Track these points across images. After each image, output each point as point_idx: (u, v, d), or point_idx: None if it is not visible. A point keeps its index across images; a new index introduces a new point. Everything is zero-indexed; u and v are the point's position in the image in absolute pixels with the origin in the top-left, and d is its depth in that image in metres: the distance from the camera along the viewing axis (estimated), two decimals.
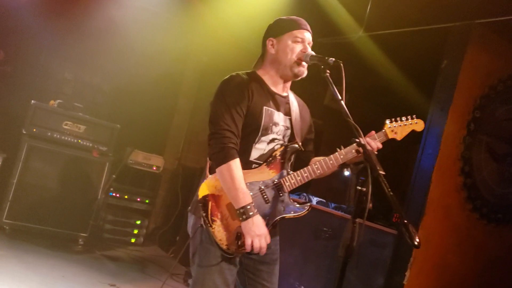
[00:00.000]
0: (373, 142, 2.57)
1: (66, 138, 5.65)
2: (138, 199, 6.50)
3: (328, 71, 2.43)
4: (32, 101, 5.50)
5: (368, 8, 4.61)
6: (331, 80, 2.41)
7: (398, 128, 2.66)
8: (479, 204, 4.24)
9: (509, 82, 4.36)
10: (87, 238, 5.76)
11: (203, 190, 2.50)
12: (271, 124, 2.60)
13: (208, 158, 2.57)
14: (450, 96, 3.95)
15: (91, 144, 5.80)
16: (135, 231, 6.42)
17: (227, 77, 2.62)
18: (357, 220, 2.04)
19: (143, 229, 6.51)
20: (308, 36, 2.68)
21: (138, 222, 6.44)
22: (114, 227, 6.26)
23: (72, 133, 5.70)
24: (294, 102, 2.79)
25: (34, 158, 5.48)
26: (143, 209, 6.57)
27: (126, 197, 6.39)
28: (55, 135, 5.59)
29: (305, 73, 2.67)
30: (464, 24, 4.06)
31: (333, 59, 2.41)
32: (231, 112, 2.49)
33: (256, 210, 2.40)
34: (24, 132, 5.44)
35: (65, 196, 5.61)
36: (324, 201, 4.90)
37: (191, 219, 2.66)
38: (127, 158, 6.37)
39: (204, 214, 2.44)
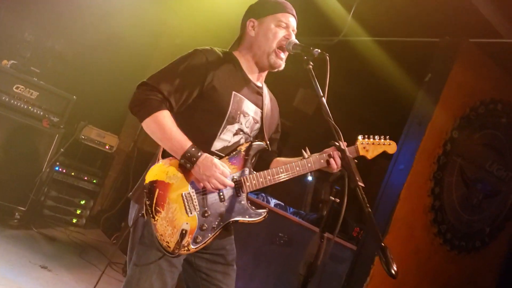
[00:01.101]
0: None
1: (15, 103, 5.19)
2: (86, 178, 6.09)
3: (311, 63, 2.17)
4: None
5: (352, 10, 4.35)
6: (313, 73, 2.14)
7: (370, 146, 2.48)
8: (444, 228, 4.05)
9: (491, 106, 4.20)
10: (24, 212, 5.30)
11: (152, 174, 2.18)
12: (239, 113, 2.33)
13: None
14: (430, 111, 3.75)
15: (42, 113, 5.37)
16: (78, 211, 6.01)
17: (200, 47, 2.33)
18: (326, 235, 1.76)
19: (87, 210, 6.10)
20: (293, 22, 2.43)
21: (83, 202, 6.03)
22: (56, 204, 5.83)
23: (23, 98, 5.25)
24: (267, 95, 2.53)
25: None
26: (90, 189, 6.16)
27: (72, 174, 5.97)
28: (3, 98, 5.13)
29: (282, 66, 2.43)
30: (454, 40, 3.86)
31: (318, 50, 2.15)
32: (175, 78, 2.23)
33: (200, 152, 2.14)
34: None
35: (5, 164, 5.14)
36: (283, 204, 4.64)
37: (133, 209, 2.36)
38: (79, 132, 5.95)
39: (148, 203, 2.12)
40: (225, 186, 2.17)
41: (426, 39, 3.93)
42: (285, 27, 2.38)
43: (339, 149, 1.86)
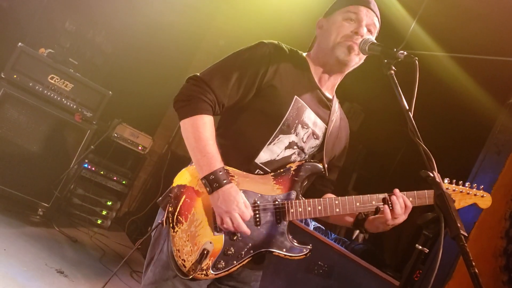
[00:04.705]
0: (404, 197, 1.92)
1: (48, 93, 4.93)
2: (115, 178, 5.78)
3: (393, 68, 1.75)
4: (19, 43, 4.78)
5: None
6: (396, 80, 1.72)
7: (457, 195, 2.02)
8: None
9: None
10: (48, 209, 5.03)
11: (181, 178, 1.87)
12: (297, 122, 1.93)
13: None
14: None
15: (75, 106, 5.10)
16: (104, 212, 5.71)
17: (267, 40, 1.97)
18: None
19: (113, 212, 5.79)
20: (368, 15, 1.98)
21: (109, 203, 5.72)
22: (81, 202, 5.53)
23: (57, 89, 4.99)
24: (336, 110, 2.10)
25: (7, 107, 4.75)
26: (118, 190, 5.85)
27: (101, 172, 5.67)
28: (37, 87, 4.88)
29: (353, 60, 1.97)
30: None
31: (404, 52, 1.73)
32: (231, 73, 1.88)
33: (226, 179, 1.76)
34: (3, 76, 4.74)
35: (33, 157, 4.88)
36: (323, 228, 4.20)
37: (159, 216, 2.00)
38: (112, 130, 5.66)
39: (170, 209, 1.80)
40: (238, 230, 1.78)
41: (510, 59, 3.45)
42: (356, 20, 1.96)
43: (433, 182, 1.42)
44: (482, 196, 2.07)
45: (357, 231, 5.63)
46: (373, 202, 1.92)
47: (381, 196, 1.92)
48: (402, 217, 1.90)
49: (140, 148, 5.93)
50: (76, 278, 4.07)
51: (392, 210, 1.88)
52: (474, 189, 2.05)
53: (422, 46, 4.24)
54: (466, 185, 2.04)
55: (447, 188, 1.97)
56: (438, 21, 3.94)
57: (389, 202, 1.89)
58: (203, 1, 6.31)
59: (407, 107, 1.61)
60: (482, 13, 3.52)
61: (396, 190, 1.92)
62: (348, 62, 1.98)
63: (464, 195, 2.03)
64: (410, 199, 1.93)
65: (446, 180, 2.00)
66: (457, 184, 2.02)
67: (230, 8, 6.36)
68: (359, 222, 2.04)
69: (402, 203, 1.89)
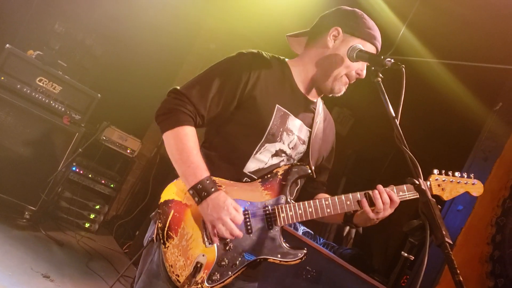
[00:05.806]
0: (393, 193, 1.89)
1: (36, 96, 4.88)
2: (103, 181, 5.74)
3: (380, 75, 1.75)
4: (7, 45, 4.73)
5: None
6: (383, 88, 1.72)
7: (447, 184, 1.99)
8: (501, 283, 3.54)
9: None
10: (35, 212, 4.97)
11: (169, 192, 1.86)
12: (281, 130, 1.93)
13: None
14: (499, 146, 3.26)
15: (63, 109, 5.04)
16: (92, 216, 5.66)
17: (246, 50, 1.97)
18: None
19: (101, 216, 5.74)
20: None
21: (97, 206, 5.68)
22: (69, 206, 5.48)
23: (45, 91, 4.94)
24: (320, 112, 2.11)
25: None
26: (106, 193, 5.81)
27: (90, 176, 5.63)
28: (25, 89, 4.82)
29: (342, 92, 2.03)
30: None
31: (392, 59, 1.73)
32: (210, 85, 1.89)
33: (214, 187, 1.77)
34: None
35: (20, 160, 4.82)
36: (312, 233, 4.19)
37: (151, 228, 1.98)
38: (100, 133, 5.62)
39: (160, 225, 1.80)
40: (232, 235, 1.78)
41: (498, 66, 3.47)
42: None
43: (418, 189, 1.42)
44: (473, 184, 2.03)
45: (348, 227, 5.65)
46: (347, 202, 1.92)
47: (366, 192, 1.92)
48: (387, 211, 1.88)
49: (128, 151, 5.90)
50: (63, 283, 4.03)
51: (373, 205, 1.87)
52: (465, 177, 2.03)
53: (411, 52, 4.26)
54: (457, 174, 2.01)
55: (436, 179, 1.97)
56: (427, 27, 3.96)
57: (370, 198, 1.89)
58: (194, 4, 6.30)
59: (394, 114, 1.61)
60: (471, 20, 3.55)
61: (379, 186, 1.90)
62: (337, 93, 2.03)
63: (455, 184, 1.99)
64: (400, 193, 1.91)
65: (435, 171, 1.98)
66: (446, 174, 2.00)
67: (221, 11, 6.36)
68: (348, 219, 2.04)
69: (386, 198, 1.86)
